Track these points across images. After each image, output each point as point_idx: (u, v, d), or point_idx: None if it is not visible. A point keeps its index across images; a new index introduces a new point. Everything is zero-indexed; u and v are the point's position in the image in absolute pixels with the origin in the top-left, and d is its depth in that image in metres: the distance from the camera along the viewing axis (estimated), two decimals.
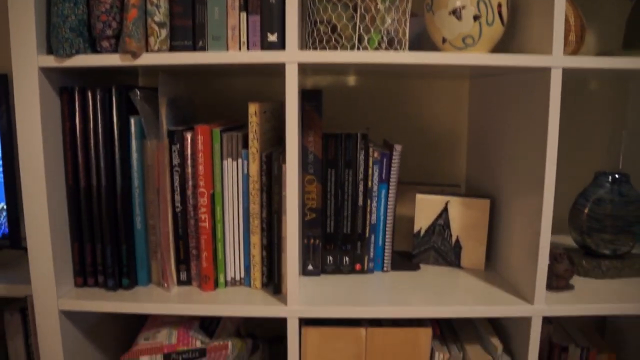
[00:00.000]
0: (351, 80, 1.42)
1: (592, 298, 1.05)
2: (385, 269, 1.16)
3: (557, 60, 0.92)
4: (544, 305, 1.01)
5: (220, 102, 1.41)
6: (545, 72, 0.94)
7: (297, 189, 0.96)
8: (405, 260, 1.21)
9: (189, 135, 1.03)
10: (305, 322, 1.04)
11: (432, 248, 1.20)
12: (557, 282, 1.07)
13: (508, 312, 1.01)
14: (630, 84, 1.45)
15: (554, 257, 1.07)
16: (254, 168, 1.03)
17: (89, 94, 1.00)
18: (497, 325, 1.20)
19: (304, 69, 1.25)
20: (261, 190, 1.04)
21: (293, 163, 0.94)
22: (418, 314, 0.99)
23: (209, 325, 1.11)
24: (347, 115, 1.42)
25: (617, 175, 1.16)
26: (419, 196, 1.18)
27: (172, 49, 0.95)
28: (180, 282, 1.09)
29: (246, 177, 1.04)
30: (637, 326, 1.40)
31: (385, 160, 1.11)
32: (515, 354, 1.08)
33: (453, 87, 1.42)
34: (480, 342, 1.12)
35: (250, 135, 1.03)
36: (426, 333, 1.03)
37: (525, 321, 1.03)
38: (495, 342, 1.08)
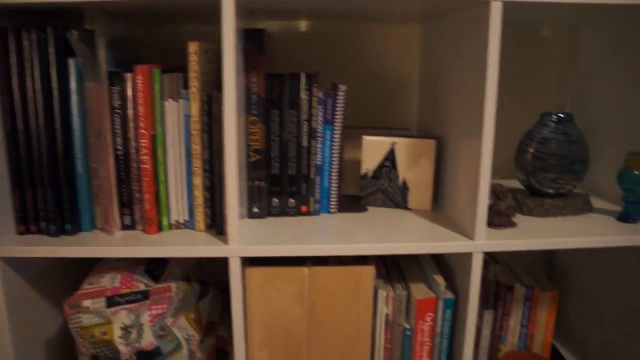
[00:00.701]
0: (302, 25, 1.40)
1: (531, 234, 1.06)
2: (331, 210, 1.16)
3: None
4: (485, 240, 1.02)
5: (170, 49, 1.38)
6: (485, 5, 0.93)
7: (236, 129, 0.94)
8: (352, 203, 1.21)
9: (128, 77, 1.01)
10: (251, 264, 1.04)
11: (380, 190, 1.21)
12: (500, 219, 1.08)
13: (449, 248, 1.02)
14: (580, 30, 1.45)
15: (497, 195, 1.08)
16: (195, 108, 1.02)
17: (24, 35, 0.96)
18: (442, 264, 1.22)
19: (253, 11, 1.22)
20: (202, 131, 1.03)
21: (230, 102, 0.93)
22: (361, 251, 1.00)
23: (155, 270, 1.10)
24: (298, 61, 1.40)
25: (561, 115, 1.17)
26: (365, 138, 1.18)
27: None
28: (124, 227, 1.08)
29: (187, 117, 1.03)
30: (582, 266, 1.44)
31: (329, 100, 1.10)
32: (459, 291, 1.10)
33: (405, 32, 1.41)
34: (425, 280, 1.14)
35: (190, 75, 1.01)
36: (369, 271, 1.04)
37: (467, 257, 1.04)
38: (438, 279, 1.09)
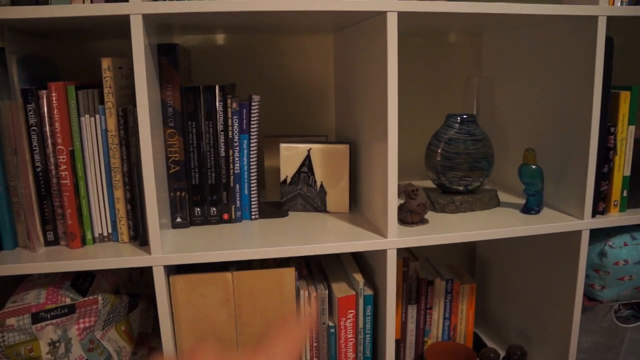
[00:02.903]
0: (220, 38, 1.44)
1: (441, 229, 1.13)
2: (253, 217, 1.20)
3: (391, 4, 0.97)
4: (397, 237, 1.08)
5: (89, 65, 1.40)
6: (382, 15, 1.00)
7: (151, 141, 0.97)
8: (274, 209, 1.26)
9: (43, 94, 1.03)
10: (177, 272, 1.07)
11: (299, 195, 1.26)
12: (412, 217, 1.15)
13: (364, 247, 1.07)
14: (484, 36, 1.55)
15: (408, 194, 1.14)
16: (112, 123, 1.04)
17: None
18: (362, 263, 1.27)
19: (169, 27, 1.26)
20: (120, 145, 1.06)
21: (144, 116, 0.96)
22: (281, 254, 1.04)
23: (82, 284, 1.11)
24: (217, 73, 1.45)
25: (464, 116, 1.25)
26: (282, 145, 1.23)
27: (15, 2, 0.94)
28: (47, 243, 1.09)
29: (105, 132, 1.05)
30: (499, 259, 1.52)
31: (244, 110, 1.15)
32: (379, 287, 1.16)
33: (319, 43, 1.47)
34: (346, 279, 1.19)
35: (105, 90, 1.04)
36: (290, 273, 1.08)
37: (382, 254, 1.10)
38: (358, 277, 1.14)
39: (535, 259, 1.37)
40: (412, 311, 1.36)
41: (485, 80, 1.43)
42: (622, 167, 1.23)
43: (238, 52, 1.44)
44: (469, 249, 1.71)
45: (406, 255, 1.32)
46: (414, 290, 1.34)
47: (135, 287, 1.27)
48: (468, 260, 1.71)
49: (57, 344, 1.02)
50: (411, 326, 1.37)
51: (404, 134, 1.57)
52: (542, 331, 1.36)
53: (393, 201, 1.06)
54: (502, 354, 1.48)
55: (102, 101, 1.05)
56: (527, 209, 1.24)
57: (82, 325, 1.06)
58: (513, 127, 1.43)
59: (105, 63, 1.03)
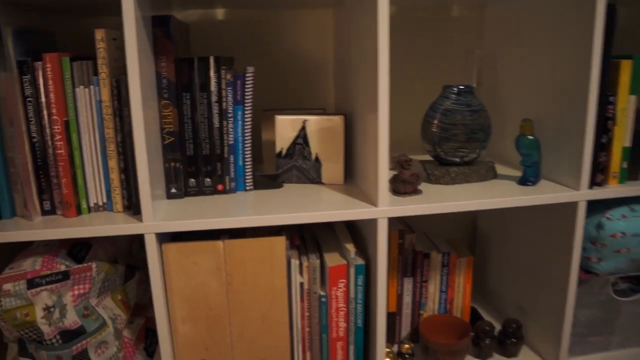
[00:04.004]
0: (220, 13, 1.44)
1: (434, 199, 1.13)
2: (247, 188, 1.21)
3: None
4: (388, 207, 1.08)
5: (87, 39, 1.41)
6: None
7: (142, 112, 0.98)
8: (269, 180, 1.26)
9: (39, 65, 1.04)
10: (170, 241, 1.09)
11: (294, 167, 1.26)
12: (405, 187, 1.15)
13: (355, 215, 1.08)
14: (487, 8, 1.54)
15: (401, 164, 1.14)
16: (106, 93, 1.06)
17: None
18: (355, 234, 1.28)
19: (169, 1, 1.27)
20: (114, 115, 1.07)
21: (135, 86, 0.97)
22: (273, 222, 1.05)
23: (78, 253, 1.13)
24: (218, 48, 1.45)
25: (461, 87, 1.24)
26: (277, 117, 1.23)
27: None
28: (44, 212, 1.11)
29: (99, 102, 1.06)
30: (499, 233, 1.52)
31: (238, 82, 1.15)
32: (371, 258, 1.16)
33: (319, 17, 1.47)
34: (339, 250, 1.20)
35: (99, 61, 1.05)
36: (280, 242, 1.09)
37: (373, 223, 1.10)
38: (349, 246, 1.15)
39: (533, 232, 1.36)
40: (408, 284, 1.36)
41: (486, 52, 1.42)
42: (622, 137, 1.22)
43: (238, 27, 1.44)
44: (470, 224, 1.70)
45: (402, 228, 1.32)
46: (410, 262, 1.34)
47: (135, 259, 1.29)
48: (469, 235, 1.71)
49: (52, 309, 1.05)
50: (407, 299, 1.37)
51: (403, 107, 1.57)
52: (539, 304, 1.36)
53: (384, 171, 1.06)
54: (499, 327, 1.48)
55: (96, 72, 1.06)
56: (523, 181, 1.24)
57: (76, 292, 1.08)
58: (513, 99, 1.41)
59: (99, 34, 1.04)
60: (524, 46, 1.34)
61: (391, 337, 1.39)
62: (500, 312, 1.57)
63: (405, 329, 1.40)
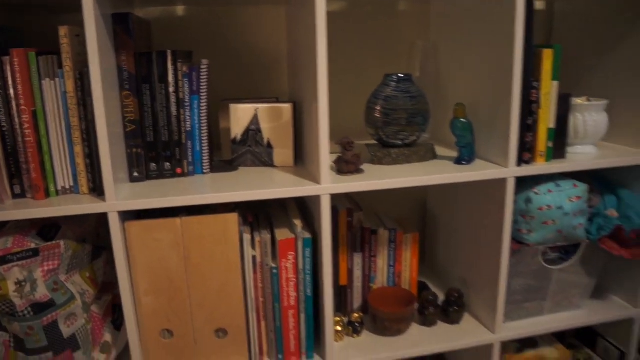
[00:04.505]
0: (180, 10, 1.55)
1: (374, 177, 1.24)
2: (205, 171, 1.32)
3: None
4: (330, 184, 1.19)
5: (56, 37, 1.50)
6: None
7: (103, 102, 1.08)
8: (225, 164, 1.37)
9: (7, 60, 1.14)
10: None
11: (249, 152, 1.37)
12: (348, 167, 1.26)
13: (300, 192, 1.19)
14: (430, 4, 1.66)
15: (343, 146, 1.26)
16: (70, 85, 1.16)
17: None
18: (306, 214, 1.39)
19: (131, 1, 1.37)
20: (78, 105, 1.17)
21: (96, 78, 1.07)
22: (226, 199, 1.15)
23: (47, 234, 1.23)
24: (177, 43, 1.55)
25: (401, 75, 1.36)
26: (232, 106, 1.34)
27: None
28: (15, 196, 1.20)
29: (64, 93, 1.16)
30: (445, 212, 1.64)
31: (194, 73, 1.26)
32: (318, 232, 1.27)
33: (273, 14, 1.58)
34: (289, 226, 1.31)
35: (63, 56, 1.15)
36: (233, 218, 1.20)
37: (318, 200, 1.22)
38: (297, 222, 1.26)
39: (472, 209, 1.49)
40: (357, 259, 1.48)
41: (430, 44, 1.54)
42: (547, 120, 1.34)
43: (198, 22, 1.55)
44: (421, 204, 1.83)
45: (350, 207, 1.44)
46: (359, 239, 1.46)
47: (102, 241, 1.39)
48: (420, 215, 1.83)
49: (24, 284, 1.14)
50: (357, 273, 1.49)
51: (352, 96, 1.68)
52: (478, 275, 1.49)
53: (325, 152, 1.17)
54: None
55: (61, 66, 1.16)
56: (459, 160, 1.36)
57: (46, 268, 1.18)
58: (453, 87, 1.54)
59: (62, 31, 1.14)
60: (462, 38, 1.46)
61: (344, 309, 1.51)
62: (448, 286, 1.69)
63: (357, 301, 1.52)
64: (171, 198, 1.13)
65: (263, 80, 1.61)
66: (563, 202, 1.35)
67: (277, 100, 1.39)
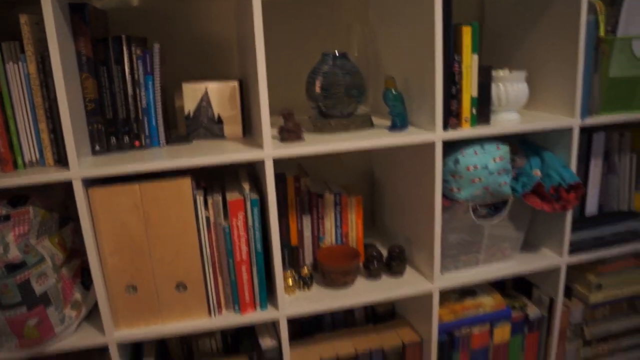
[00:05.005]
0: (135, 1, 1.68)
1: (312, 143, 1.39)
2: (161, 144, 1.46)
3: None
4: (271, 150, 1.34)
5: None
6: None
7: (64, 83, 1.21)
8: (180, 138, 1.51)
9: None
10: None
11: (201, 126, 1.51)
12: (289, 135, 1.41)
13: (245, 157, 1.33)
14: None
15: (284, 116, 1.40)
16: (32, 68, 1.29)
17: None
18: (254, 179, 1.54)
19: None
20: (41, 86, 1.30)
21: (56, 62, 1.19)
22: (179, 164, 1.29)
23: (17, 203, 1.36)
24: (134, 31, 1.68)
25: (337, 53, 1.50)
26: (184, 85, 1.48)
27: None
28: None
29: (27, 75, 1.29)
30: (389, 179, 1.80)
31: (147, 56, 1.39)
32: (264, 194, 1.42)
33: (224, 4, 1.72)
34: (239, 190, 1.46)
35: (25, 41, 1.27)
36: (186, 182, 1.34)
37: (262, 164, 1.36)
38: (245, 185, 1.41)
39: (409, 173, 1.64)
40: (306, 221, 1.63)
41: (366, 27, 1.69)
42: (469, 89, 1.49)
43: (154, 13, 1.67)
44: (367, 172, 1.98)
45: (297, 174, 1.59)
46: (307, 202, 1.61)
47: (70, 213, 1.53)
48: (367, 183, 1.99)
49: None
50: (307, 234, 1.64)
51: (296, 74, 1.83)
52: (418, 232, 1.64)
53: (266, 121, 1.32)
54: None
55: (23, 50, 1.29)
56: (392, 127, 1.51)
57: (17, 232, 1.31)
58: (388, 64, 1.69)
59: (23, 19, 1.27)
60: (395, 19, 1.61)
61: (297, 266, 1.66)
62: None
63: (308, 259, 1.67)
64: (130, 165, 1.27)
65: (216, 63, 1.75)
66: (488, 162, 1.51)
67: (226, 79, 1.53)
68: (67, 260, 1.44)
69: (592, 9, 1.51)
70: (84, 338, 1.41)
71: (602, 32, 1.53)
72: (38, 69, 1.28)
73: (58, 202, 1.45)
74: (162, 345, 1.69)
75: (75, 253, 1.49)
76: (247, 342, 1.73)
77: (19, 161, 1.32)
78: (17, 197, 1.36)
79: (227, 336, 1.74)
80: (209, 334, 1.72)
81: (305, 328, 1.80)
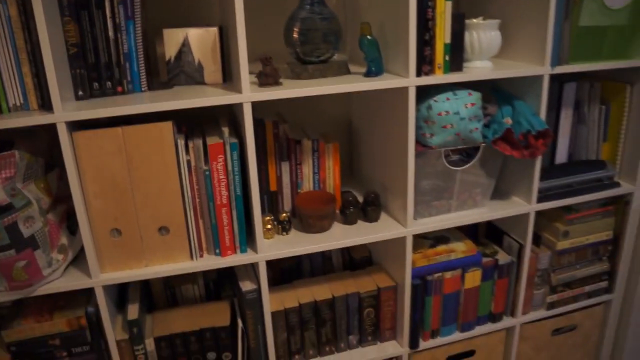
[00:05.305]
0: None
1: (289, 88, 1.43)
2: (143, 89, 1.49)
3: None
4: (250, 93, 1.38)
5: None
6: None
7: (46, 26, 1.23)
8: (161, 84, 1.54)
9: None
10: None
11: (182, 71, 1.54)
12: (267, 80, 1.45)
13: (223, 101, 1.37)
14: None
15: (262, 61, 1.44)
16: (13, 10, 1.30)
17: None
18: (236, 125, 1.58)
19: None
20: (23, 29, 1.32)
21: (38, 5, 1.21)
22: (159, 108, 1.32)
23: (2, 148, 1.40)
24: None
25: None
26: (165, 31, 1.51)
27: None
28: None
29: (8, 18, 1.31)
30: (366, 127, 1.85)
31: (128, 0, 1.41)
32: (243, 140, 1.46)
33: None
34: (219, 133, 1.50)
35: None
36: (167, 126, 1.38)
37: (241, 107, 1.40)
38: (225, 129, 1.45)
39: (384, 120, 1.69)
40: (285, 167, 1.68)
41: None
42: (442, 35, 1.54)
43: None
44: (345, 121, 2.03)
45: (276, 119, 1.63)
46: (285, 148, 1.66)
47: (55, 160, 1.56)
48: (345, 131, 2.04)
49: None
50: (285, 179, 1.69)
51: (270, 20, 1.85)
52: (393, 178, 1.70)
53: (245, 66, 1.35)
54: None
55: None
56: (367, 73, 1.56)
57: (3, 175, 1.35)
58: (365, 11, 1.72)
59: None
60: None
61: (276, 212, 1.72)
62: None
63: (287, 205, 1.73)
64: (112, 108, 1.30)
65: (197, 10, 1.77)
66: (459, 108, 1.56)
67: (207, 26, 1.55)
68: (53, 206, 1.47)
69: None
70: (71, 281, 1.46)
71: None
72: (19, 11, 1.30)
73: (42, 148, 1.49)
74: (147, 290, 1.74)
75: (60, 199, 1.52)
76: (229, 288, 1.79)
77: (4, 106, 1.35)
78: (2, 142, 1.39)
79: (209, 283, 1.80)
80: (191, 281, 1.78)
81: (285, 275, 1.87)
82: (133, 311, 1.54)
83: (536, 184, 1.76)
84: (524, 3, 1.67)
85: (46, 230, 1.42)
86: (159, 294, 1.75)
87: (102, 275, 1.46)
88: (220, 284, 1.80)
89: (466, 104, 1.56)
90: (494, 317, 1.93)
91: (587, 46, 1.66)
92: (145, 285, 1.73)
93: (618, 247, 2.02)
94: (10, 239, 1.33)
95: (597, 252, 2.00)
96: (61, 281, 1.45)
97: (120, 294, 1.72)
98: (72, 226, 1.54)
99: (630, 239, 2.00)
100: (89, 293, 1.57)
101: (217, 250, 1.52)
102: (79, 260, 1.54)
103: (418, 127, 1.57)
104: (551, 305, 2.00)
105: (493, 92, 1.75)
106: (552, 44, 1.60)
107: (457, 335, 1.89)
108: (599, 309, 2.11)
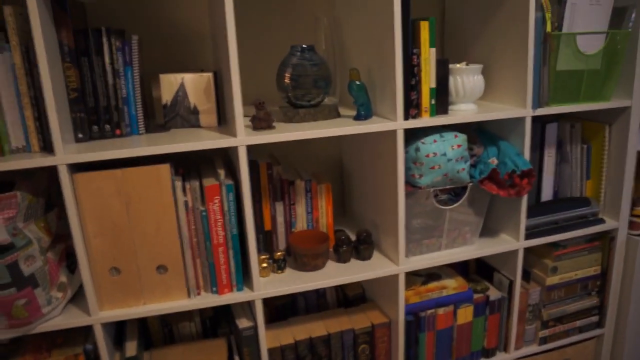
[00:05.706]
0: None
1: (282, 131, 1.49)
2: (140, 132, 1.55)
3: None
4: (245, 137, 1.44)
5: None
6: None
7: (48, 72, 1.29)
8: (158, 127, 1.60)
9: None
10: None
11: (178, 115, 1.61)
12: (260, 123, 1.51)
13: (218, 144, 1.42)
14: None
15: (255, 106, 1.50)
16: (17, 57, 1.37)
17: None
18: (230, 166, 1.63)
19: None
20: (26, 75, 1.38)
21: (41, 51, 1.27)
22: (158, 151, 1.37)
23: (3, 189, 1.44)
24: (110, 23, 1.77)
25: (304, 46, 1.61)
26: (161, 76, 1.57)
27: None
28: None
29: (13, 65, 1.38)
30: (357, 167, 1.91)
31: (126, 47, 1.48)
32: (239, 181, 1.52)
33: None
34: (215, 175, 1.55)
35: (9, 32, 1.35)
36: (165, 168, 1.43)
37: (236, 150, 1.46)
38: (221, 171, 1.51)
39: (374, 161, 1.75)
40: (279, 207, 1.73)
41: (331, 19, 1.80)
42: (428, 80, 1.61)
43: (129, 3, 1.77)
44: (337, 161, 2.09)
45: (269, 161, 1.69)
46: (279, 189, 1.71)
47: (53, 199, 1.60)
48: (337, 171, 2.10)
49: None
50: (280, 219, 1.74)
51: (266, 66, 1.93)
52: (384, 217, 1.75)
53: (239, 110, 1.41)
54: None
55: (8, 41, 1.37)
56: (357, 117, 1.62)
57: (6, 215, 1.39)
58: (354, 56, 1.80)
59: (7, 10, 1.34)
60: (359, 13, 1.72)
61: (270, 251, 1.76)
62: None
63: (281, 244, 1.77)
64: (113, 151, 1.36)
65: (191, 55, 1.84)
66: (446, 149, 1.62)
67: (201, 71, 1.62)
68: (52, 244, 1.51)
69: (539, 6, 1.63)
70: (70, 318, 1.49)
71: (548, 28, 1.66)
72: (23, 59, 1.36)
73: (42, 188, 1.53)
74: (144, 328, 1.77)
75: (60, 238, 1.56)
76: (225, 325, 1.82)
77: (6, 148, 1.40)
78: (3, 183, 1.44)
79: (205, 320, 1.83)
80: (188, 319, 1.80)
81: (280, 312, 1.90)
82: (131, 348, 1.57)
83: (523, 222, 1.81)
84: (505, 49, 1.75)
85: (46, 268, 1.45)
86: (156, 332, 1.77)
87: (101, 313, 1.49)
88: (217, 322, 1.82)
89: (453, 145, 1.62)
90: (487, 353, 1.96)
91: (566, 89, 1.73)
92: (142, 323, 1.76)
93: (606, 281, 2.06)
94: (11, 278, 1.37)
95: (586, 287, 2.04)
96: (60, 319, 1.48)
97: (118, 331, 1.74)
98: (71, 265, 1.57)
99: (618, 274, 2.04)
100: (87, 330, 1.59)
101: (214, 289, 1.56)
102: (77, 297, 1.57)
103: (407, 168, 1.62)
104: (543, 340, 2.03)
105: (479, 133, 1.82)
106: (533, 88, 1.67)
107: None
108: (591, 343, 2.14)
